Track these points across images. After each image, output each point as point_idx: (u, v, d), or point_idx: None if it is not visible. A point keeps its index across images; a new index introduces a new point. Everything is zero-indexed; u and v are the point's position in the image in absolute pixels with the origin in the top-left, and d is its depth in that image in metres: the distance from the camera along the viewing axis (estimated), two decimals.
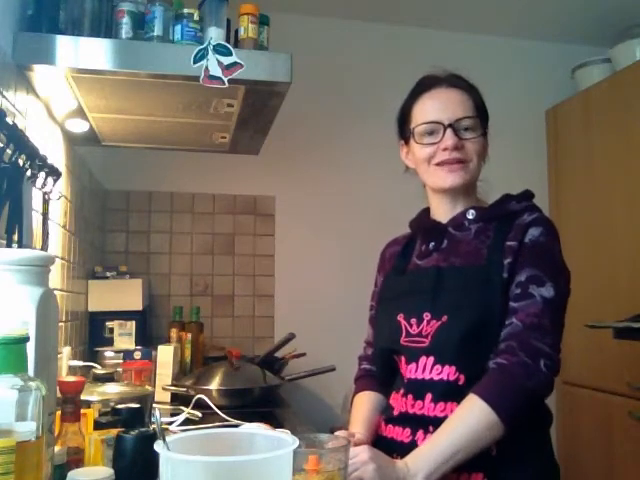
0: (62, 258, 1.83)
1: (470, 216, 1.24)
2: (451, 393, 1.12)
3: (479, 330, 1.12)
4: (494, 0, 2.79)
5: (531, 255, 1.14)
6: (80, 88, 1.51)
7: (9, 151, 1.19)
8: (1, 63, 1.27)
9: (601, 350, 2.56)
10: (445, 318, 1.15)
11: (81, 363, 1.86)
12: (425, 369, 1.15)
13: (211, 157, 2.48)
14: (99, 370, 1.53)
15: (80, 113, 1.71)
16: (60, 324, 1.76)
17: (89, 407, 1.18)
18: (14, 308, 0.79)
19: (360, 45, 2.94)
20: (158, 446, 0.64)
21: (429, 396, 1.13)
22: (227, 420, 1.59)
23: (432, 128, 1.22)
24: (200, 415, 1.65)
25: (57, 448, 0.89)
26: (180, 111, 1.71)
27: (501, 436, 1.04)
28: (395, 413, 1.19)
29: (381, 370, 1.30)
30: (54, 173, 1.48)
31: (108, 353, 2.11)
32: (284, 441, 0.68)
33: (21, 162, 1.26)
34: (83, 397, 1.08)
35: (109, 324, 2.24)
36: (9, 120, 1.18)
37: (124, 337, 2.16)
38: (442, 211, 1.28)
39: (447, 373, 1.13)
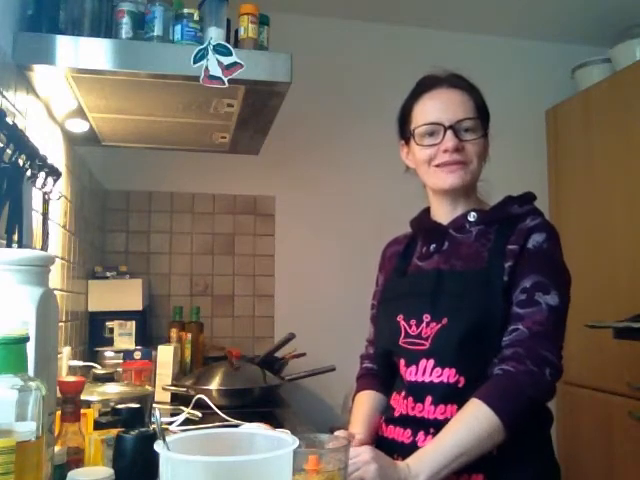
0: (62, 258, 1.83)
1: (471, 218, 1.24)
2: (451, 396, 1.12)
3: (479, 333, 1.12)
4: (494, 0, 2.79)
5: (535, 261, 1.14)
6: (80, 88, 1.51)
7: (9, 151, 1.19)
8: (1, 63, 1.27)
9: (601, 350, 2.56)
10: (445, 320, 1.15)
11: (81, 363, 1.86)
12: (425, 372, 1.15)
13: (211, 157, 2.48)
14: (99, 370, 1.53)
15: (80, 113, 1.71)
16: (60, 324, 1.76)
17: (89, 407, 1.18)
18: (14, 308, 0.79)
19: (360, 45, 2.94)
20: (158, 446, 0.64)
21: (429, 399, 1.13)
22: (227, 420, 1.59)
23: (432, 129, 1.21)
24: (200, 415, 1.65)
25: (57, 448, 0.89)
26: (180, 111, 1.71)
27: (502, 440, 1.05)
28: (396, 414, 1.19)
29: (382, 370, 1.30)
30: (54, 173, 1.48)
31: (108, 353, 2.11)
32: (284, 441, 0.68)
33: (21, 162, 1.26)
34: (83, 397, 1.08)
35: (109, 324, 2.24)
36: (9, 120, 1.18)
37: (124, 337, 2.16)
38: (442, 212, 1.28)
39: (447, 376, 1.13)
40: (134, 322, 2.19)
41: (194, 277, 2.72)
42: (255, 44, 1.49)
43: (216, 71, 1.41)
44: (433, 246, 1.26)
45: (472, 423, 1.04)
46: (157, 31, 1.42)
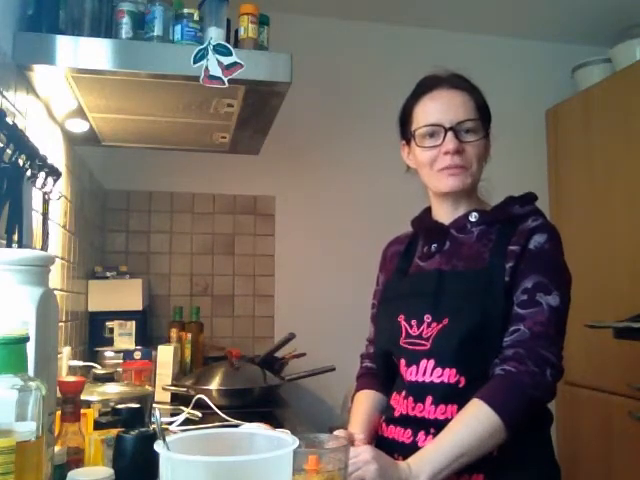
0: (62, 258, 1.83)
1: (473, 219, 1.24)
2: (452, 396, 1.12)
3: (480, 333, 1.12)
4: (494, 0, 2.79)
5: (537, 262, 1.14)
6: (80, 88, 1.51)
7: (9, 151, 1.19)
8: (1, 63, 1.27)
9: (601, 350, 2.56)
10: (446, 321, 1.15)
11: (81, 363, 1.86)
12: (426, 372, 1.15)
13: (211, 157, 2.48)
14: (99, 370, 1.53)
15: (80, 113, 1.71)
16: (60, 324, 1.76)
17: (89, 407, 1.18)
18: (14, 308, 0.79)
19: (360, 45, 2.94)
20: (158, 446, 0.64)
21: (429, 399, 1.13)
22: (227, 420, 1.59)
23: (433, 130, 1.21)
24: (200, 415, 1.65)
25: (57, 448, 0.89)
26: (180, 111, 1.71)
27: (503, 441, 1.05)
28: (396, 414, 1.19)
29: (382, 370, 1.30)
30: (54, 173, 1.48)
31: (108, 353, 2.11)
32: (284, 441, 0.68)
33: (21, 162, 1.26)
34: (83, 397, 1.08)
35: (109, 324, 2.24)
36: (9, 120, 1.18)
37: (124, 337, 2.16)
38: (444, 212, 1.28)
39: (447, 376, 1.13)
40: (134, 322, 2.19)
41: (194, 277, 2.72)
42: (255, 44, 1.49)
43: (216, 71, 1.41)
44: (434, 246, 1.26)
45: (473, 423, 1.04)
46: (157, 31, 1.42)
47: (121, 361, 1.95)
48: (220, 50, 1.41)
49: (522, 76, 3.07)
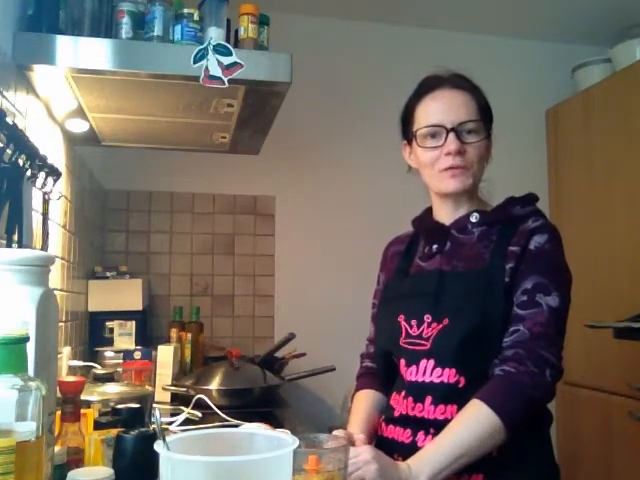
0: (62, 258, 1.83)
1: (474, 219, 1.24)
2: (451, 396, 1.12)
3: (480, 333, 1.12)
4: (494, 0, 2.79)
5: (537, 262, 1.14)
6: (80, 88, 1.51)
7: (9, 151, 1.19)
8: (1, 63, 1.27)
9: (601, 350, 2.56)
10: (446, 321, 1.15)
11: (81, 363, 1.86)
12: (425, 372, 1.15)
13: (211, 157, 2.48)
14: (99, 370, 1.53)
15: (80, 113, 1.71)
16: (60, 324, 1.76)
17: (89, 407, 1.18)
18: (14, 308, 0.79)
19: (360, 45, 2.94)
20: (158, 446, 0.64)
21: (429, 399, 1.13)
22: (227, 420, 1.59)
23: (434, 131, 1.21)
24: (200, 415, 1.65)
25: (57, 448, 0.89)
26: (180, 111, 1.71)
27: (503, 441, 1.05)
28: (396, 414, 1.19)
29: (382, 369, 1.30)
30: (54, 173, 1.48)
31: (108, 353, 2.11)
32: (284, 441, 0.68)
33: (21, 162, 1.26)
34: (83, 397, 1.08)
35: (109, 324, 2.23)
36: (9, 120, 1.18)
37: (124, 337, 2.16)
38: (445, 212, 1.28)
39: (447, 376, 1.13)
40: (134, 322, 2.19)
41: (194, 277, 2.72)
42: (255, 44, 1.49)
43: (216, 71, 1.41)
44: (435, 246, 1.26)
45: (473, 424, 1.04)
46: (157, 31, 1.42)
47: (121, 361, 1.95)
48: (220, 50, 1.41)
49: (522, 76, 3.07)
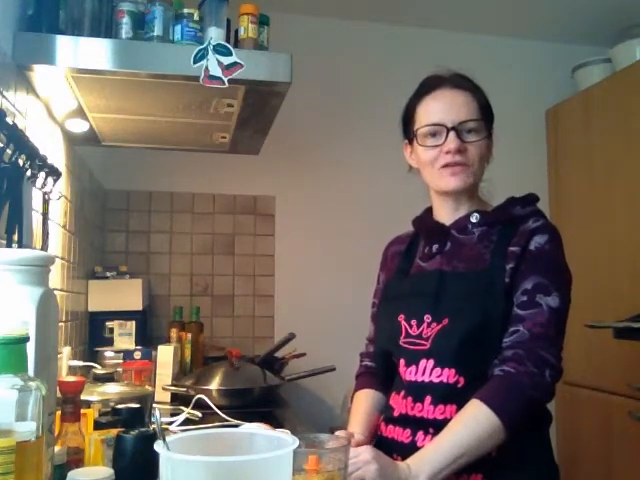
0: (62, 258, 1.83)
1: (474, 220, 1.24)
2: (451, 396, 1.12)
3: (480, 333, 1.12)
4: (494, 0, 2.79)
5: (537, 263, 1.14)
6: (80, 88, 1.51)
7: (9, 151, 1.19)
8: (1, 63, 1.27)
9: (601, 350, 2.56)
10: (446, 321, 1.15)
11: (81, 363, 1.86)
12: (425, 372, 1.15)
13: (211, 157, 2.48)
14: (99, 370, 1.53)
15: (80, 113, 1.71)
16: (60, 324, 1.76)
17: (89, 407, 1.18)
18: (14, 308, 0.79)
19: (360, 45, 2.94)
20: (158, 446, 0.64)
21: (428, 399, 1.13)
22: (227, 420, 1.59)
23: (435, 130, 1.21)
24: (200, 415, 1.65)
25: (57, 448, 0.89)
26: (180, 111, 1.71)
27: (503, 441, 1.05)
28: (395, 414, 1.19)
29: (382, 369, 1.30)
30: (54, 173, 1.48)
31: (108, 353, 2.11)
32: (284, 441, 0.68)
33: (21, 162, 1.26)
34: (83, 397, 1.08)
35: (109, 324, 2.24)
36: (9, 120, 1.18)
37: (124, 337, 2.16)
38: (445, 212, 1.28)
39: (447, 376, 1.13)
40: (134, 322, 2.19)
41: (194, 277, 2.72)
42: (255, 44, 1.49)
43: (216, 71, 1.41)
44: (435, 247, 1.26)
45: (472, 424, 1.04)
46: (157, 31, 1.42)
47: (121, 361, 1.95)
48: (220, 50, 1.41)
49: (522, 76, 3.07)
